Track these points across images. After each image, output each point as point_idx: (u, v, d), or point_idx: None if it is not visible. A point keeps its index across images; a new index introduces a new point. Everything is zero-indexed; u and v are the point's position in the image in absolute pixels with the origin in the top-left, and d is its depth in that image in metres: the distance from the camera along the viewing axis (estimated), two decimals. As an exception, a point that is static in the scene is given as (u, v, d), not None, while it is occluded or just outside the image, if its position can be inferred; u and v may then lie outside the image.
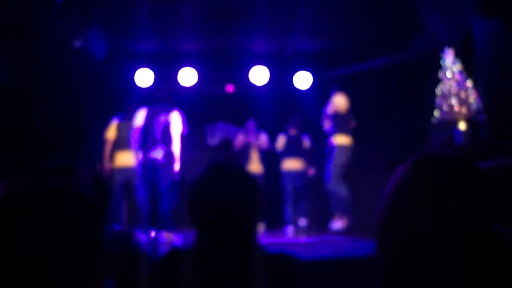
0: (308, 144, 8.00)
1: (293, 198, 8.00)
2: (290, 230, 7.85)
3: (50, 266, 1.03)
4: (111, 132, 7.02)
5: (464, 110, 5.96)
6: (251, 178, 1.81)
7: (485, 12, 5.75)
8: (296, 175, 7.97)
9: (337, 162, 6.75)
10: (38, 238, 1.04)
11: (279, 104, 8.57)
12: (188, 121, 6.50)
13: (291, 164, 7.99)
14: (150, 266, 1.88)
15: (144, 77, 8.10)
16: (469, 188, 0.90)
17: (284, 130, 8.09)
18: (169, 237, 6.17)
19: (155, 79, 8.10)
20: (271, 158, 8.15)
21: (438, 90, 6.21)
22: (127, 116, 6.90)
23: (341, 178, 6.69)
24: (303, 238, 6.95)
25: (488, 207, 0.90)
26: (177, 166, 6.35)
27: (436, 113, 6.20)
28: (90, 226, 1.13)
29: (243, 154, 7.99)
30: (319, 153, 7.62)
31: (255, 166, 8.00)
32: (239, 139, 8.16)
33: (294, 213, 7.99)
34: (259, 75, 8.32)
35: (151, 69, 8.15)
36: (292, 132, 8.02)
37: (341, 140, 6.83)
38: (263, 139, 8.20)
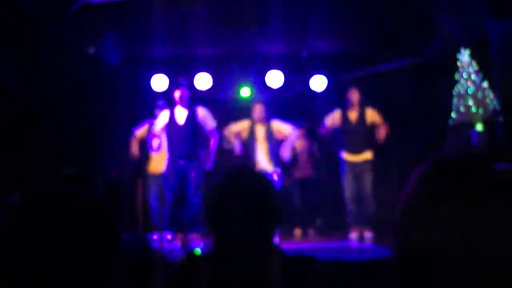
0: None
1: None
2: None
3: (66, 274, 1.03)
4: (142, 132, 7.05)
5: (481, 111, 5.91)
6: (268, 183, 1.80)
7: (499, 12, 5.72)
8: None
9: (344, 179, 6.67)
10: (53, 246, 1.03)
11: (294, 107, 8.53)
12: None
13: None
14: (167, 272, 1.87)
15: (159, 82, 8.11)
16: (486, 190, 0.89)
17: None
18: (186, 242, 6.17)
19: (170, 84, 8.09)
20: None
21: (454, 92, 6.17)
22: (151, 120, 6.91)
23: (354, 195, 6.60)
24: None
25: (507, 210, 0.89)
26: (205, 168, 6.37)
27: (453, 115, 6.15)
28: (106, 234, 1.12)
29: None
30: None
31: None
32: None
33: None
34: (274, 78, 8.29)
35: (165, 74, 8.16)
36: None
37: (344, 156, 6.77)
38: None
